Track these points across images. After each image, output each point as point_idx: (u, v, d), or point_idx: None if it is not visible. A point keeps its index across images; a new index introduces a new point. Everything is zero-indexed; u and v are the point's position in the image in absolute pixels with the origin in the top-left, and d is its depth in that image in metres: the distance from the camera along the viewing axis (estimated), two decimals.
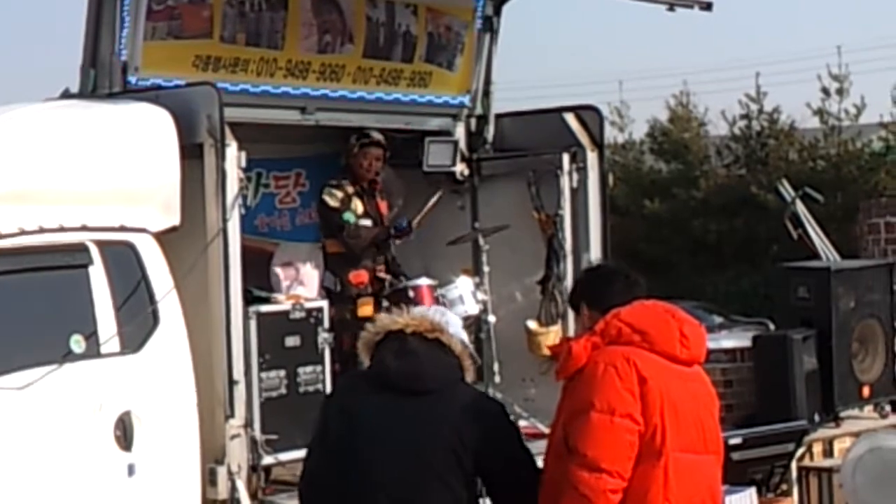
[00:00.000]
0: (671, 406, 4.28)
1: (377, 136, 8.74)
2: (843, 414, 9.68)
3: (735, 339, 10.41)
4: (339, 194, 8.65)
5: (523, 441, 4.55)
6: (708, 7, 8.73)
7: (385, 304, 8.47)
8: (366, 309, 8.47)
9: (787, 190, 11.13)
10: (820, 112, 21.51)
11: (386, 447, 4.33)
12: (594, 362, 4.33)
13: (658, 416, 4.26)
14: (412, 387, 4.39)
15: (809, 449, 9.03)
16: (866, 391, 9.79)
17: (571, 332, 8.91)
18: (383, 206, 8.92)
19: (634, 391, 4.26)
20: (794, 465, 8.11)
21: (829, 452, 9.34)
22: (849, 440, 8.99)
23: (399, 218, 8.81)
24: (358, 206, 8.70)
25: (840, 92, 21.37)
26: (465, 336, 4.67)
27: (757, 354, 9.73)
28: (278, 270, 8.78)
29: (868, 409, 9.97)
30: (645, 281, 4.65)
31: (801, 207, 10.86)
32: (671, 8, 8.70)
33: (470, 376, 4.57)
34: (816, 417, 9.31)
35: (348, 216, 8.62)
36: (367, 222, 8.72)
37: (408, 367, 4.41)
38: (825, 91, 21.43)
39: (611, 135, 21.94)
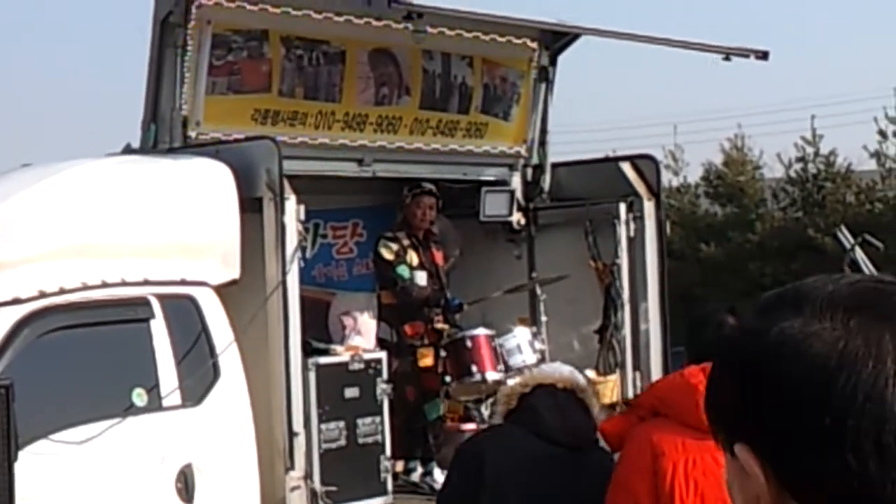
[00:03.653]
0: (689, 482, 4.24)
1: (429, 185, 8.80)
2: None
3: None
4: (395, 246, 8.70)
5: None
6: (764, 56, 8.71)
7: (443, 354, 8.49)
8: (426, 360, 8.50)
9: (846, 237, 11.03)
10: (877, 154, 21.35)
11: (543, 499, 4.34)
12: (626, 440, 4.38)
13: (667, 492, 4.24)
14: (571, 441, 4.41)
15: None
16: None
17: (630, 382, 8.92)
18: (438, 256, 8.94)
19: (647, 468, 4.27)
20: None
21: None
22: None
23: (455, 298, 8.81)
24: (413, 257, 8.73)
25: None
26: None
27: None
28: (336, 320, 8.82)
29: None
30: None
31: (860, 254, 10.76)
32: (727, 57, 8.69)
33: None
34: None
35: (402, 270, 8.65)
36: (422, 274, 8.75)
37: (566, 421, 4.44)
38: (882, 133, 21.28)
39: (665, 178, 21.82)
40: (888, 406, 1.24)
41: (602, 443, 4.53)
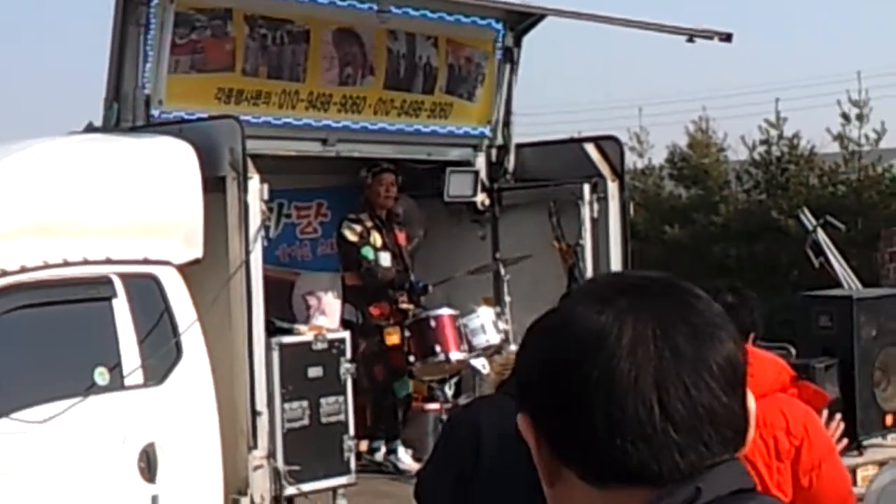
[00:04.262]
0: None
1: (386, 164, 8.81)
2: (865, 443, 9.64)
3: None
4: (358, 228, 8.70)
5: None
6: (728, 38, 8.73)
7: (407, 333, 8.51)
8: (393, 338, 8.53)
9: (808, 218, 11.12)
10: (840, 137, 21.46)
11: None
12: None
13: None
14: None
15: None
16: (889, 420, 9.73)
17: None
18: (401, 237, 8.96)
19: None
20: None
21: (852, 481, 9.29)
22: (871, 468, 8.94)
23: (419, 281, 8.84)
24: (377, 239, 8.74)
25: (860, 118, 21.31)
26: None
27: None
28: (300, 300, 8.81)
29: (891, 437, 9.93)
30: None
31: (822, 235, 10.84)
32: (691, 39, 8.72)
33: None
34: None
35: (366, 251, 8.66)
36: (386, 254, 8.76)
37: None
38: (845, 116, 21.38)
39: (630, 160, 21.89)
40: (616, 382, 1.44)
41: None
